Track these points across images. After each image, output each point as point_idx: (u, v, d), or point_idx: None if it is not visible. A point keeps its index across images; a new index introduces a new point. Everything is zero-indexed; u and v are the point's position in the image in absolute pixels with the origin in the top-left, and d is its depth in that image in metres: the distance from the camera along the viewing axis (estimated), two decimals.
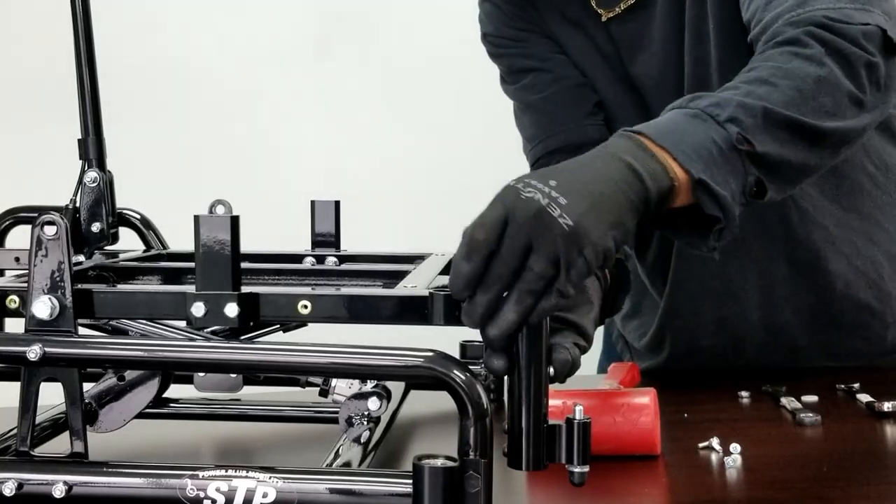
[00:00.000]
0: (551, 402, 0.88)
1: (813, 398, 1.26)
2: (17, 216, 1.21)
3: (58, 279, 0.87)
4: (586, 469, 0.85)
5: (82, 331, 0.89)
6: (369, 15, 2.53)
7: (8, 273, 1.15)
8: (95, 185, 1.17)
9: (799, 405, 1.22)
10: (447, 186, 2.44)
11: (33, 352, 0.85)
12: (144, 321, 1.01)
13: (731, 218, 0.93)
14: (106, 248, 1.19)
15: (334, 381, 1.00)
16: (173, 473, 0.83)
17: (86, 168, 1.18)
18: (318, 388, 1.02)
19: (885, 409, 1.18)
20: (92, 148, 1.19)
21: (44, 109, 2.18)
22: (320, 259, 1.22)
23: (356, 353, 0.84)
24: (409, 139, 2.51)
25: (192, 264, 0.90)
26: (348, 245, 1.26)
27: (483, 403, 0.81)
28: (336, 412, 0.98)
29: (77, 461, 0.86)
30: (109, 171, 1.20)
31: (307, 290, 0.91)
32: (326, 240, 1.24)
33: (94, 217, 1.17)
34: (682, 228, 0.98)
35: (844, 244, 1.38)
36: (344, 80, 2.53)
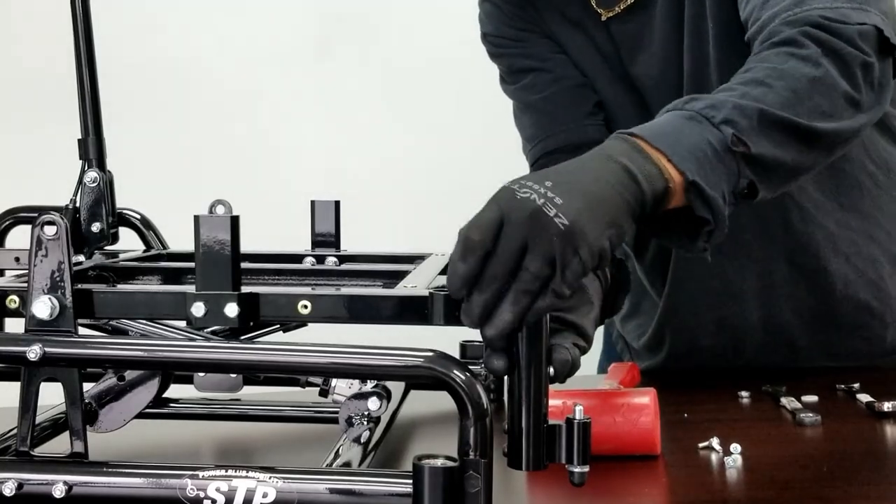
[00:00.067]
0: (551, 402, 0.88)
1: (813, 398, 1.26)
2: (17, 216, 1.21)
3: (58, 279, 0.87)
4: (586, 469, 0.85)
5: (82, 331, 0.89)
6: (369, 15, 2.53)
7: (8, 273, 1.15)
8: (95, 185, 1.17)
9: (799, 405, 1.22)
10: (447, 186, 2.44)
11: (33, 352, 0.85)
12: (144, 321, 1.01)
13: (720, 220, 0.93)
14: (106, 248, 1.19)
15: (334, 381, 1.00)
16: (173, 473, 0.83)
17: (86, 168, 1.18)
18: (318, 388, 1.02)
19: (885, 409, 1.18)
20: (92, 148, 1.19)
21: (44, 109, 2.18)
22: (320, 259, 1.22)
23: (356, 353, 0.84)
24: (409, 139, 2.51)
25: (192, 264, 0.90)
26: (348, 245, 1.26)
27: (483, 403, 0.81)
28: (336, 412, 0.98)
29: (77, 461, 0.86)
30: (109, 171, 1.20)
31: (307, 290, 0.91)
32: (326, 240, 1.24)
33: (94, 217, 1.17)
34: (672, 231, 0.98)
35: (845, 243, 1.38)
36: (344, 81, 2.53)
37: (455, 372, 0.81)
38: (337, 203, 1.25)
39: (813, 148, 1.00)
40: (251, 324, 0.89)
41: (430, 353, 0.83)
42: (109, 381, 0.99)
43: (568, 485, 0.85)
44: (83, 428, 0.87)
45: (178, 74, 2.47)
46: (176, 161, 2.43)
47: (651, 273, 1.48)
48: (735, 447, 1.05)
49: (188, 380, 1.09)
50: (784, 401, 1.24)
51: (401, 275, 1.03)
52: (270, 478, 0.82)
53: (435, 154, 2.49)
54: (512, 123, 1.49)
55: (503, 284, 0.81)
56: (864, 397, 1.24)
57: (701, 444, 1.08)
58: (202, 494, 0.82)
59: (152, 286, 1.08)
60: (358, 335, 0.84)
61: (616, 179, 0.87)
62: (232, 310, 0.87)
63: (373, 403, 0.96)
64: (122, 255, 1.19)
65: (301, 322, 1.04)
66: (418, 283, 0.96)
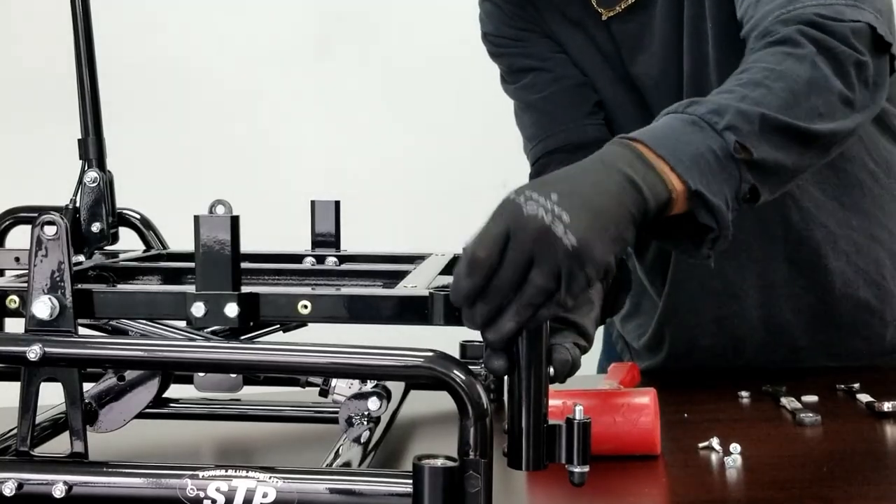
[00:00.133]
0: (551, 402, 0.88)
1: (813, 398, 1.26)
2: (17, 216, 1.21)
3: (58, 279, 0.87)
4: (586, 469, 0.85)
5: (82, 331, 0.89)
6: (369, 15, 2.53)
7: (8, 273, 1.15)
8: (95, 185, 1.17)
9: (799, 405, 1.22)
10: (447, 186, 2.44)
11: (33, 352, 0.85)
12: (144, 321, 1.01)
13: (724, 228, 0.94)
14: (106, 248, 1.19)
15: (334, 381, 1.00)
16: (173, 473, 0.83)
17: (86, 168, 1.18)
18: (318, 388, 1.02)
19: (885, 409, 1.18)
20: (92, 148, 1.19)
21: (44, 109, 2.18)
22: (320, 259, 1.22)
23: (356, 353, 0.84)
24: (409, 139, 2.51)
25: (192, 264, 0.90)
26: (348, 245, 1.26)
27: (483, 403, 0.81)
28: (336, 412, 0.98)
29: (77, 461, 0.86)
30: (109, 171, 1.20)
31: (307, 290, 0.91)
32: (326, 240, 1.25)
33: (94, 217, 1.17)
34: (675, 236, 0.98)
35: (845, 242, 1.38)
36: (344, 80, 2.53)
37: (455, 372, 0.81)
38: (337, 203, 1.25)
39: (811, 149, 1.00)
40: (251, 324, 0.89)
41: (430, 353, 0.83)
42: (109, 381, 0.99)
43: (568, 485, 0.85)
44: (83, 428, 0.87)
45: (178, 74, 2.47)
46: (176, 161, 2.43)
47: (651, 273, 1.48)
48: (735, 447, 1.05)
49: (188, 380, 1.09)
50: (784, 401, 1.24)
51: (401, 275, 1.03)
52: (270, 478, 0.82)
53: (435, 154, 2.49)
54: (512, 123, 1.49)
55: (507, 296, 0.82)
56: (864, 397, 1.24)
57: (701, 444, 1.08)
58: (202, 494, 0.82)
59: (152, 286, 1.08)
60: (358, 335, 0.84)
61: (620, 189, 0.87)
62: (232, 310, 0.87)
63: (373, 403, 0.96)
64: (122, 255, 1.19)
65: (301, 322, 1.04)
66: (418, 283, 0.96)
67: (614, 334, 1.65)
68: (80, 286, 0.89)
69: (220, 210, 0.88)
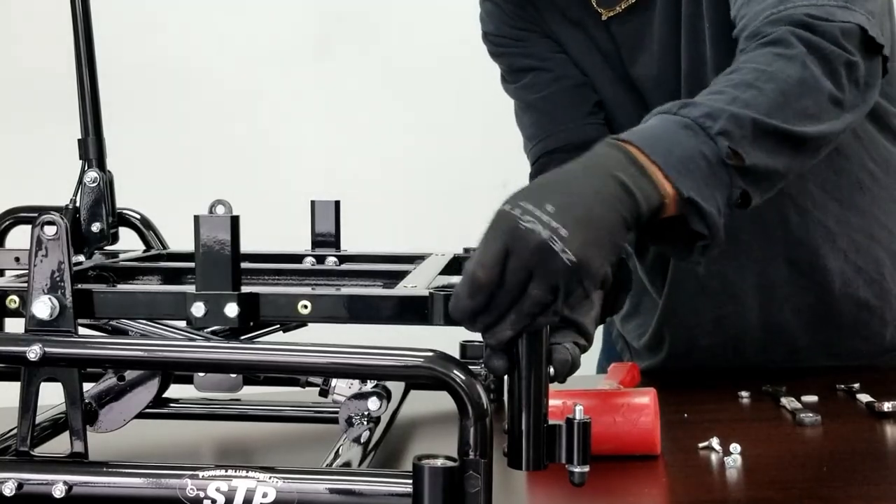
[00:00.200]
0: (551, 402, 0.88)
1: (813, 398, 1.26)
2: (17, 216, 1.21)
3: (58, 279, 0.87)
4: (586, 469, 0.85)
5: (82, 331, 0.89)
6: (369, 15, 2.53)
7: (8, 273, 1.15)
8: (95, 185, 1.17)
9: (799, 405, 1.22)
10: (447, 186, 2.44)
11: (33, 352, 0.85)
12: (144, 321, 1.01)
13: (716, 234, 0.94)
14: (106, 248, 1.19)
15: (334, 381, 1.00)
16: (173, 473, 0.83)
17: (86, 168, 1.18)
18: (318, 388, 1.02)
19: (885, 409, 1.18)
20: (92, 148, 1.19)
21: (44, 109, 2.18)
22: (320, 259, 1.22)
23: (356, 353, 0.84)
24: (409, 139, 2.51)
25: (192, 264, 0.90)
26: (348, 245, 1.26)
27: (483, 403, 0.81)
28: (336, 412, 0.98)
29: (77, 461, 0.86)
30: (109, 171, 1.20)
31: (307, 290, 0.91)
32: (326, 240, 1.25)
33: (94, 217, 1.17)
34: (667, 239, 0.98)
35: (844, 241, 1.38)
36: (344, 80, 2.53)
37: (455, 372, 0.81)
38: (337, 203, 1.25)
39: (801, 152, 1.00)
40: (251, 324, 0.89)
41: (430, 353, 0.83)
42: (109, 381, 0.99)
43: (568, 485, 0.85)
44: (83, 428, 0.87)
45: (178, 74, 2.47)
46: (176, 161, 2.43)
47: (651, 272, 1.48)
48: (735, 447, 1.05)
49: (188, 380, 1.09)
50: (784, 401, 1.24)
51: (401, 275, 1.03)
52: (270, 478, 0.82)
53: (435, 154, 2.49)
54: (512, 123, 1.49)
55: (508, 310, 0.83)
56: (864, 397, 1.24)
57: (701, 444, 1.08)
58: (202, 494, 0.82)
59: (152, 286, 1.08)
60: (358, 335, 0.84)
61: (614, 198, 0.87)
62: (232, 310, 0.87)
63: (373, 403, 0.96)
64: (122, 255, 1.19)
65: (301, 322, 1.04)
66: (418, 283, 0.96)
67: (614, 333, 1.65)
68: (80, 286, 0.89)
69: (220, 210, 0.88)
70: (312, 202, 1.25)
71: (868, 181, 1.38)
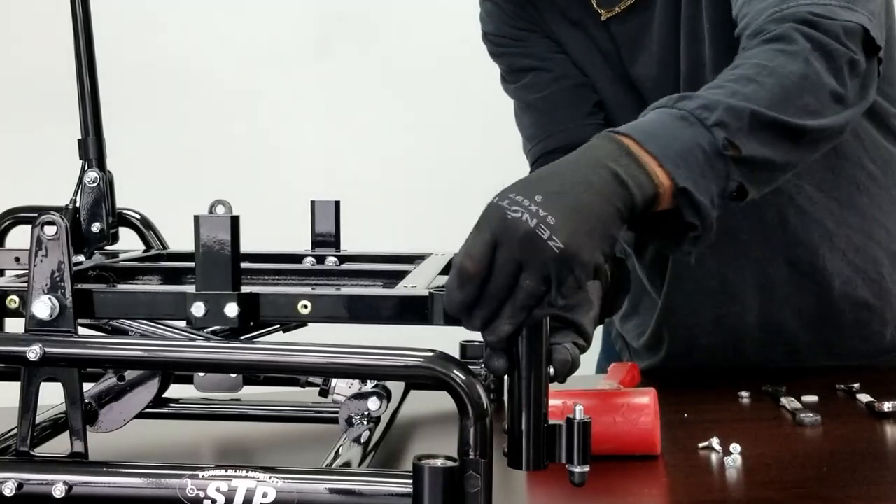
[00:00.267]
0: (551, 402, 0.88)
1: (813, 398, 1.26)
2: (17, 216, 1.21)
3: (58, 279, 0.87)
4: (586, 469, 0.85)
5: (82, 331, 0.89)
6: (369, 15, 2.53)
7: (8, 273, 1.15)
8: (95, 185, 1.17)
9: (799, 405, 1.22)
10: (447, 186, 2.44)
11: (33, 352, 0.85)
12: (144, 321, 1.01)
13: (708, 226, 0.93)
14: (106, 248, 1.19)
15: (334, 381, 1.00)
16: (173, 473, 0.83)
17: (86, 168, 1.18)
18: (318, 388, 1.02)
19: (885, 409, 1.18)
20: (92, 148, 1.19)
21: (44, 109, 2.18)
22: (320, 259, 1.22)
23: (356, 353, 0.84)
24: (409, 139, 2.51)
25: (192, 264, 0.90)
26: (348, 245, 1.26)
27: (483, 403, 0.81)
28: (336, 412, 0.98)
29: (77, 461, 0.86)
30: (109, 171, 1.20)
31: (307, 290, 0.91)
32: (326, 240, 1.25)
33: (94, 217, 1.17)
34: (658, 231, 0.98)
35: (842, 241, 1.38)
36: (344, 80, 2.53)
37: (455, 372, 0.81)
38: (337, 203, 1.25)
39: (799, 146, 1.00)
40: (251, 324, 0.89)
41: (430, 353, 0.83)
42: (109, 381, 0.99)
43: (568, 485, 0.85)
44: (83, 428, 0.87)
45: (178, 74, 2.47)
46: (176, 161, 2.43)
47: (650, 272, 1.48)
48: (735, 447, 1.05)
49: (188, 380, 1.09)
50: (784, 401, 1.24)
51: (401, 275, 1.03)
52: (270, 478, 0.82)
53: (435, 154, 2.49)
54: (512, 123, 1.49)
55: (501, 300, 0.83)
56: (864, 397, 1.24)
57: (701, 444, 1.08)
58: (202, 494, 0.82)
59: (152, 286, 1.08)
60: (358, 335, 0.84)
61: (607, 188, 0.87)
62: (232, 310, 0.87)
63: (373, 403, 0.96)
64: (122, 255, 1.19)
65: (301, 322, 1.04)
66: (418, 283, 0.96)
67: (613, 333, 1.65)
68: (80, 286, 0.89)
69: (220, 210, 0.88)
70: (312, 202, 1.25)
71: (867, 181, 1.38)
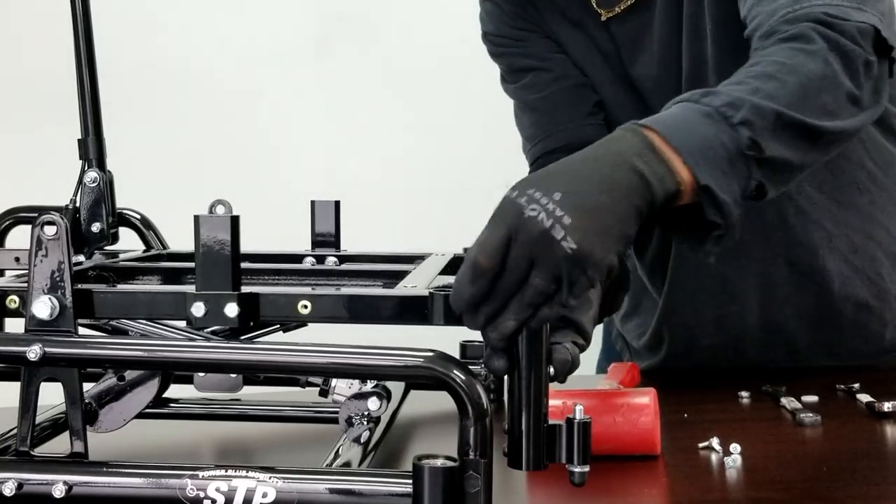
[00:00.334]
0: (551, 402, 0.88)
1: (813, 398, 1.26)
2: (17, 216, 1.21)
3: (58, 279, 0.87)
4: (586, 469, 0.85)
5: (82, 331, 0.89)
6: (369, 15, 2.53)
7: (8, 273, 1.15)
8: (95, 185, 1.17)
9: (799, 405, 1.22)
10: (447, 186, 2.45)
11: (33, 352, 0.85)
12: (144, 321, 1.01)
13: (731, 224, 0.93)
14: (106, 248, 1.19)
15: (334, 381, 1.00)
16: (173, 473, 0.83)
17: (86, 168, 1.18)
18: (318, 388, 1.02)
19: (885, 409, 1.18)
20: (92, 148, 1.19)
21: (44, 109, 2.18)
22: (320, 259, 1.22)
23: (356, 353, 0.84)
24: (409, 139, 2.51)
25: (192, 264, 0.90)
26: (348, 245, 1.26)
27: (483, 403, 0.81)
28: (336, 412, 0.98)
29: (77, 461, 0.86)
30: (109, 171, 1.20)
31: (307, 290, 0.91)
32: (326, 240, 1.25)
33: (94, 217, 1.17)
34: (680, 227, 0.98)
35: (842, 242, 1.38)
36: (344, 80, 2.53)
37: (455, 372, 0.81)
38: (337, 203, 1.25)
39: (816, 147, 1.00)
40: (251, 324, 0.89)
41: (430, 353, 0.83)
42: (109, 381, 0.99)
43: (568, 485, 0.85)
44: (83, 428, 0.87)
45: (178, 74, 2.47)
46: (176, 161, 2.44)
47: (651, 272, 1.48)
48: (735, 447, 1.05)
49: (188, 380, 1.09)
50: (784, 401, 1.24)
51: (401, 275, 1.03)
52: (270, 478, 0.82)
53: (435, 154, 2.49)
54: (512, 123, 1.49)
55: (509, 298, 0.82)
56: (864, 397, 1.24)
57: (701, 444, 1.08)
58: (202, 494, 0.82)
59: (152, 286, 1.08)
60: (358, 335, 0.84)
61: (627, 184, 0.86)
62: (232, 310, 0.87)
63: (373, 403, 0.96)
64: (122, 255, 1.19)
65: (301, 322, 1.04)
66: (418, 283, 0.96)
67: (613, 333, 1.65)
68: (80, 286, 0.89)
69: (220, 210, 0.88)
70: (312, 202, 1.25)
71: (867, 182, 1.38)
